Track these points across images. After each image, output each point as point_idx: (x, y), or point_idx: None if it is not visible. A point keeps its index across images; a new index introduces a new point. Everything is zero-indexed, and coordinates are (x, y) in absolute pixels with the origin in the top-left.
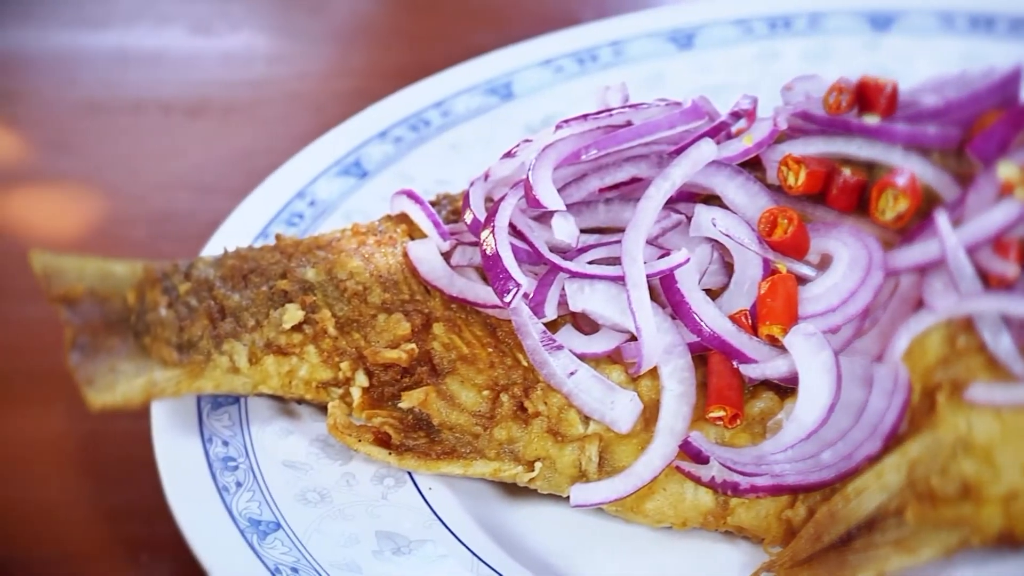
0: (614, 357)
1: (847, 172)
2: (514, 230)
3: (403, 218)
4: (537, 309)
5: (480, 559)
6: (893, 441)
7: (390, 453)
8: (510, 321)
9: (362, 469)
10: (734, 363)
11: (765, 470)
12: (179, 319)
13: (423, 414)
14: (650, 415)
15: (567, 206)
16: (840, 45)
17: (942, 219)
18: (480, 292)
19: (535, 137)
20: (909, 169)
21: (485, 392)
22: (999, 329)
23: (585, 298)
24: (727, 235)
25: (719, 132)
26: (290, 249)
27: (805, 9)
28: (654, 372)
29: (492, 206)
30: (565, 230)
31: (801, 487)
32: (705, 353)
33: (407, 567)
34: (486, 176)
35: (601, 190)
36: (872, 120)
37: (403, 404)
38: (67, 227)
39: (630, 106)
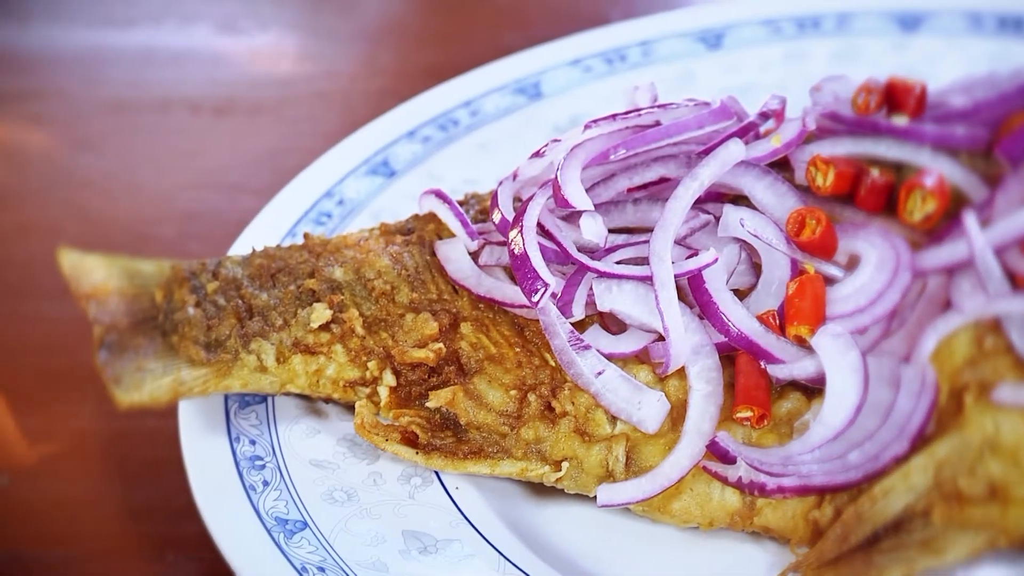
0: (642, 357)
1: (875, 173)
2: (542, 230)
3: (431, 217)
4: (565, 309)
5: (506, 559)
6: (920, 442)
7: (417, 452)
8: (538, 321)
9: (389, 468)
10: (761, 363)
11: (792, 470)
12: (207, 318)
13: (450, 413)
14: (677, 415)
15: (595, 206)
16: (868, 46)
17: (970, 220)
18: (508, 292)
19: (564, 137)
20: (937, 170)
21: (512, 392)
22: None
23: (613, 298)
24: (755, 235)
25: (747, 132)
26: (318, 248)
27: (833, 9)
28: (681, 372)
29: (520, 206)
30: (593, 230)
31: (828, 488)
32: (733, 353)
33: (434, 566)
34: (514, 176)
35: (629, 190)
36: (900, 121)
37: (430, 403)
38: (94, 226)
39: (659, 106)
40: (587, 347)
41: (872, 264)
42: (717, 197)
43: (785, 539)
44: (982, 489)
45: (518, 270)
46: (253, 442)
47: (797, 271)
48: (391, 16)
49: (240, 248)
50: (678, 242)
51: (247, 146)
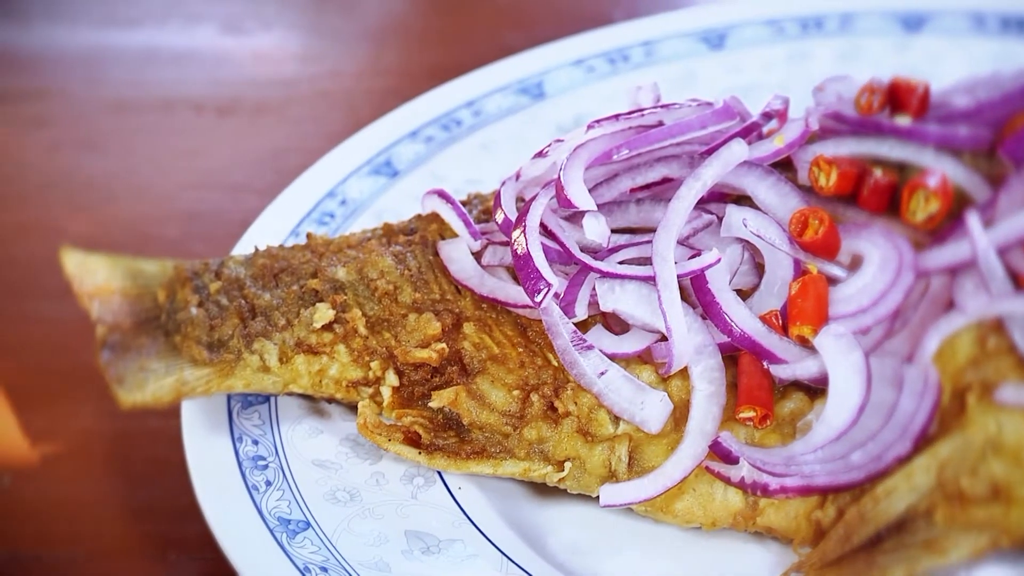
0: (644, 357)
1: (878, 173)
2: (545, 230)
3: (434, 217)
4: (568, 309)
5: (509, 558)
6: (923, 442)
7: (420, 452)
8: (540, 321)
9: (392, 468)
10: (764, 363)
11: (795, 471)
12: (209, 318)
13: (453, 413)
14: (680, 415)
15: (598, 206)
16: (871, 46)
17: (973, 220)
18: (511, 292)
19: (566, 137)
20: (940, 170)
21: (515, 392)
22: None
23: (616, 298)
24: (758, 235)
25: (750, 132)
26: (321, 248)
27: (837, 10)
28: (684, 372)
29: (523, 206)
30: (596, 230)
31: (831, 488)
32: (735, 353)
33: (436, 566)
34: (517, 176)
35: (632, 190)
36: (904, 121)
37: (433, 403)
38: (97, 226)
39: (662, 106)
40: (590, 347)
41: (875, 264)
42: (720, 197)
43: (788, 539)
44: (985, 489)
45: (521, 270)
46: (256, 442)
47: (800, 271)
48: (394, 16)
49: (243, 248)
50: (681, 242)
51: (250, 146)
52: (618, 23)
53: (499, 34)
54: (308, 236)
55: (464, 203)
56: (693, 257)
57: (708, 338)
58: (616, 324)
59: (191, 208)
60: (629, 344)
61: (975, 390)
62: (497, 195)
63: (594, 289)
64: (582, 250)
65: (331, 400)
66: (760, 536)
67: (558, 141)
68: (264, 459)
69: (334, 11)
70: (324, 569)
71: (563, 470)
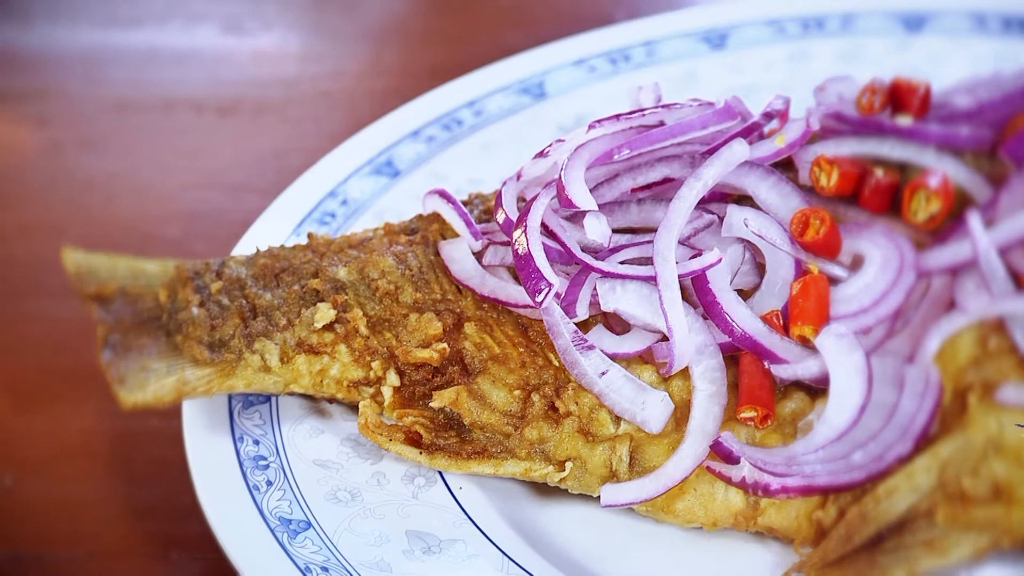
0: (645, 357)
1: (879, 173)
2: (546, 230)
3: (435, 217)
4: (569, 309)
5: (510, 559)
6: (924, 442)
7: (421, 452)
8: (541, 321)
9: (393, 468)
10: (765, 363)
11: (796, 471)
12: (210, 318)
13: (454, 413)
14: (681, 415)
15: (599, 206)
16: (873, 46)
17: (974, 220)
18: (512, 292)
19: (568, 137)
20: (941, 170)
21: (516, 392)
22: None
23: (617, 298)
24: (759, 235)
25: (752, 132)
26: (322, 248)
27: (838, 10)
28: (685, 372)
29: (524, 206)
30: (597, 230)
31: (832, 488)
32: (736, 353)
33: (437, 566)
34: (518, 176)
35: (633, 190)
36: (905, 121)
37: (434, 403)
38: (98, 226)
39: (663, 106)
40: (591, 347)
41: (876, 264)
42: (721, 197)
43: (789, 539)
44: (986, 489)
45: (522, 270)
46: (257, 442)
47: (801, 271)
48: (395, 16)
49: (244, 248)
50: (682, 242)
51: (251, 146)
52: (619, 23)
53: (500, 34)
54: (309, 236)
55: (465, 203)
56: (694, 257)
57: (709, 338)
58: (617, 324)
59: (192, 208)
60: (630, 344)
61: (976, 390)
62: (498, 195)
63: (595, 289)
64: (583, 250)
65: (332, 400)
66: (761, 536)
67: (559, 141)
68: (265, 459)
69: (335, 11)
70: (325, 569)
71: (564, 470)
